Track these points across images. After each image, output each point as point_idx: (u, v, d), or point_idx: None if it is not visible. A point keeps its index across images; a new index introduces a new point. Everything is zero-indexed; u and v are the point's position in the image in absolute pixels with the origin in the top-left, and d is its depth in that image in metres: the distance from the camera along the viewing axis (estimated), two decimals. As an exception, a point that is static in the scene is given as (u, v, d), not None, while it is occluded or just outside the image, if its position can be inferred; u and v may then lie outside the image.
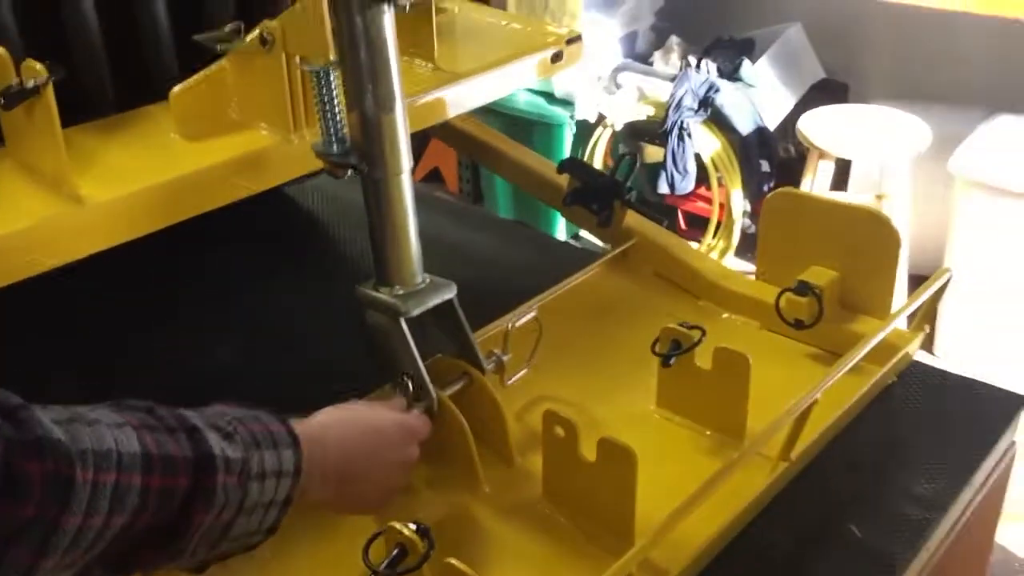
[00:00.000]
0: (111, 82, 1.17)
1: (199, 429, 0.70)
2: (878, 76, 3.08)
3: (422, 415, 0.97)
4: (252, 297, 1.43)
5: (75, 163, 0.97)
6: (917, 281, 1.22)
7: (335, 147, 0.98)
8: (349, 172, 0.98)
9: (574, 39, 1.44)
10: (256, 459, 0.73)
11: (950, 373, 1.22)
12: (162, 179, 1.00)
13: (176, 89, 1.09)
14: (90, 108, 1.14)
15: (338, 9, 0.90)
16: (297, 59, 1.04)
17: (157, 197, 0.99)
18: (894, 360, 1.14)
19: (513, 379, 1.07)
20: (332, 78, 0.97)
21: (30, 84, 0.92)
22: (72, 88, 1.03)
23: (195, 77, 1.09)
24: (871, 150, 2.62)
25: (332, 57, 0.98)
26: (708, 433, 1.07)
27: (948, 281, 1.17)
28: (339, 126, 0.98)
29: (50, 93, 0.92)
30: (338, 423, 0.85)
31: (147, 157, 1.05)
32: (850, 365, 1.03)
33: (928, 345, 2.63)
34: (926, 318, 1.21)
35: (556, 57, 1.41)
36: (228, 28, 1.07)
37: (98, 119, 1.13)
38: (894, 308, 1.17)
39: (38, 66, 0.92)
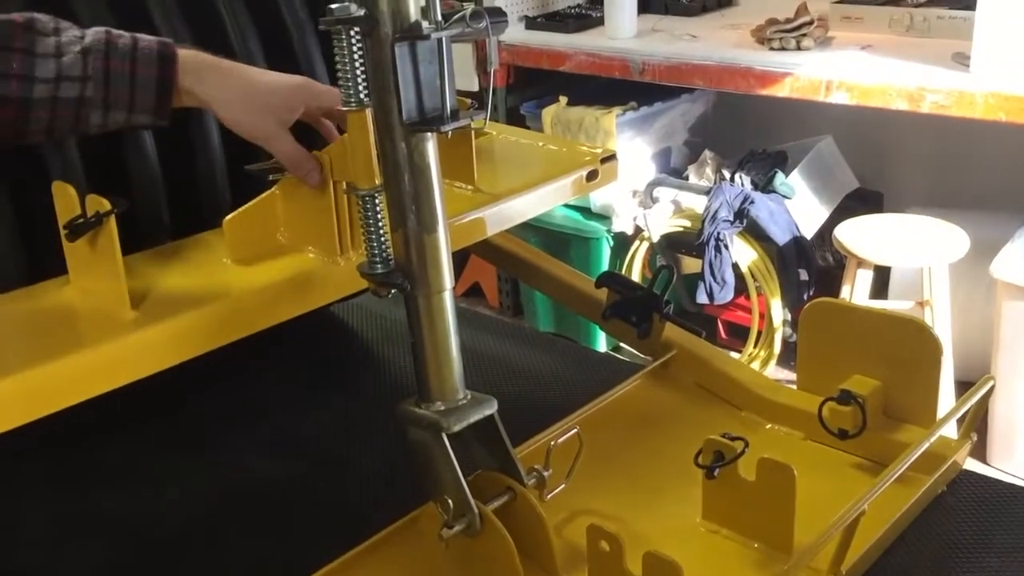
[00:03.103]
0: (167, 210, 1.23)
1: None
2: (912, 184, 3.11)
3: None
4: (292, 414, 1.45)
5: (133, 289, 1.02)
6: (965, 388, 1.21)
7: (379, 267, 1.01)
8: (392, 291, 1.01)
9: (608, 158, 1.47)
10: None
11: (1002, 482, 1.19)
12: (215, 302, 1.04)
13: (229, 217, 1.14)
14: (147, 235, 1.20)
15: (384, 137, 0.95)
16: (344, 185, 1.08)
17: (211, 319, 1.03)
18: (942, 469, 1.12)
19: (552, 494, 1.07)
20: (377, 202, 1.01)
21: (93, 216, 0.97)
22: (130, 217, 1.08)
23: (247, 205, 1.14)
24: (909, 257, 2.62)
25: (377, 182, 1.02)
26: (755, 546, 1.06)
27: (992, 388, 1.17)
28: (384, 247, 1.01)
29: (113, 225, 0.97)
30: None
31: (201, 281, 1.09)
32: (896, 474, 1.02)
33: (981, 454, 2.56)
34: (973, 425, 1.19)
35: (591, 176, 1.44)
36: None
37: (154, 246, 1.19)
38: (939, 416, 1.16)
39: (103, 200, 0.97)
